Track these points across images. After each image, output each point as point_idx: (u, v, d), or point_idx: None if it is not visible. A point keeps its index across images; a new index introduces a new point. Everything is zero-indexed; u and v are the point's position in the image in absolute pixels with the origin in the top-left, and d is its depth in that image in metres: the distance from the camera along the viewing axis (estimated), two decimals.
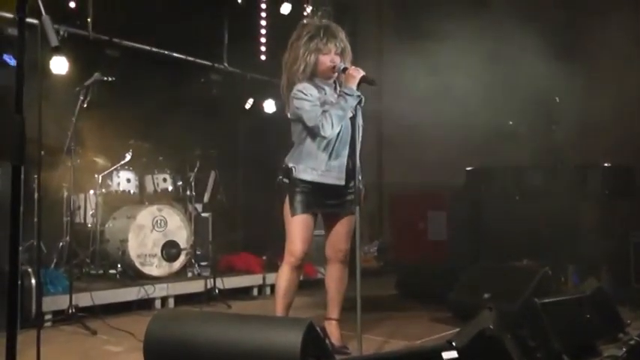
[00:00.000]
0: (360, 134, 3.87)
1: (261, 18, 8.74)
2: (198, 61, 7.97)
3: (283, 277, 3.98)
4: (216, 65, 8.18)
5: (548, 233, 6.18)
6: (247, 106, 8.47)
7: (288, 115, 4.06)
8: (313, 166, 3.92)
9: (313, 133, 3.88)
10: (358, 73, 3.83)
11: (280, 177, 4.00)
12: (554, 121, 6.48)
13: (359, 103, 3.82)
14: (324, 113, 3.80)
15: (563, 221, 6.18)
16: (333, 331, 4.09)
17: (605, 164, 6.43)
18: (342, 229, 4.11)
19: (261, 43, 8.75)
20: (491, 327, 3.03)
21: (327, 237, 4.17)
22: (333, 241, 4.13)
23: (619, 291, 5.42)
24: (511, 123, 7.17)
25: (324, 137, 3.86)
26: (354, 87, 3.80)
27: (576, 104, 6.44)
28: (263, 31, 8.77)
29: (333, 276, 4.16)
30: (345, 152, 3.99)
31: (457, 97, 7.30)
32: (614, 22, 6.56)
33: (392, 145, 9.21)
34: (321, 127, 3.79)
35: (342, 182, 3.96)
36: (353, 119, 3.92)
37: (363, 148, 3.94)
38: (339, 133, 3.95)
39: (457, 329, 3.46)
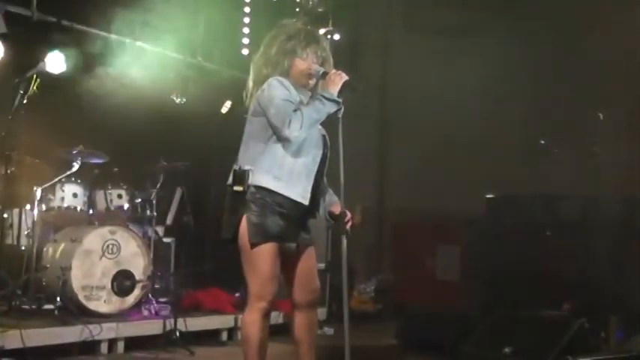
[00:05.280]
0: (342, 149, 3.77)
1: (245, 4, 8.73)
2: (167, 53, 7.89)
3: (254, 328, 3.79)
4: (188, 59, 8.13)
5: (587, 277, 6.14)
6: (224, 109, 8.42)
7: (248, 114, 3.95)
8: (276, 173, 3.77)
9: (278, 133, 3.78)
10: (340, 78, 3.80)
11: (229, 184, 3.83)
12: (596, 142, 6.45)
13: (337, 112, 3.77)
14: (296, 111, 3.72)
15: (605, 262, 6.15)
16: None
17: None
18: (311, 264, 4.00)
19: (244, 34, 8.72)
20: None
21: (293, 276, 3.98)
22: (305, 282, 3.98)
23: None
24: (543, 142, 7.15)
25: (287, 139, 3.72)
26: (335, 93, 3.77)
27: (621, 123, 6.47)
28: (246, 20, 8.74)
29: (308, 325, 4.02)
30: (315, 169, 3.90)
31: (477, 106, 7.35)
32: None
33: (396, 164, 9.21)
34: (288, 124, 3.67)
35: (306, 202, 3.83)
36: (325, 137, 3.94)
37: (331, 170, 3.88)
38: (310, 146, 3.85)
39: None
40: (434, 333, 6.14)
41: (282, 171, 3.77)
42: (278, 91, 3.78)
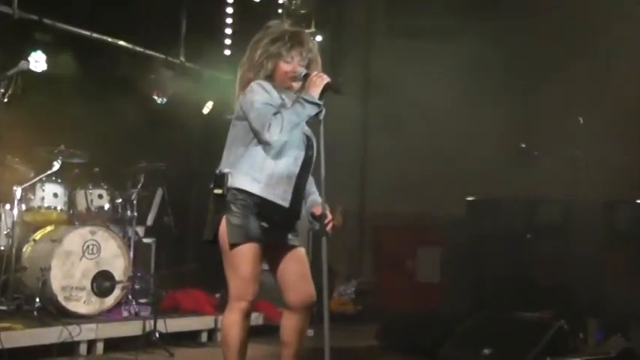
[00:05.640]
0: (322, 151, 3.78)
1: (227, 4, 8.67)
2: (149, 52, 7.89)
3: (235, 328, 3.79)
4: (170, 59, 8.10)
5: (566, 279, 6.20)
6: (206, 110, 8.41)
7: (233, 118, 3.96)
8: (255, 175, 3.78)
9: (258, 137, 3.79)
10: (321, 80, 3.80)
11: (211, 187, 3.84)
12: (577, 147, 6.51)
13: (318, 114, 3.78)
14: (276, 114, 3.73)
15: (584, 266, 6.19)
16: None
17: (638, 200, 6.48)
18: (302, 266, 3.96)
19: (226, 35, 8.67)
20: None
21: (285, 280, 3.98)
22: (296, 285, 3.95)
23: None
24: (524, 146, 7.20)
25: (267, 143, 3.74)
26: (316, 95, 3.77)
27: (603, 129, 6.54)
28: (229, 21, 8.69)
29: (297, 329, 3.98)
30: (296, 171, 3.89)
31: (458, 109, 7.40)
32: None
33: (377, 167, 9.22)
34: (267, 128, 3.69)
35: (287, 204, 3.83)
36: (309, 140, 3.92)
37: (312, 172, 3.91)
38: (292, 148, 3.86)
39: None
40: (414, 335, 6.16)
41: (262, 173, 3.78)
42: (258, 95, 3.79)
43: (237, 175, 3.77)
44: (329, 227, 3.74)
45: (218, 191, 3.77)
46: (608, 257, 6.34)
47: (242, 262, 3.73)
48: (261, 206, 3.75)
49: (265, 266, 3.97)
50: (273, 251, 3.90)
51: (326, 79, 3.80)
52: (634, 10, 7.11)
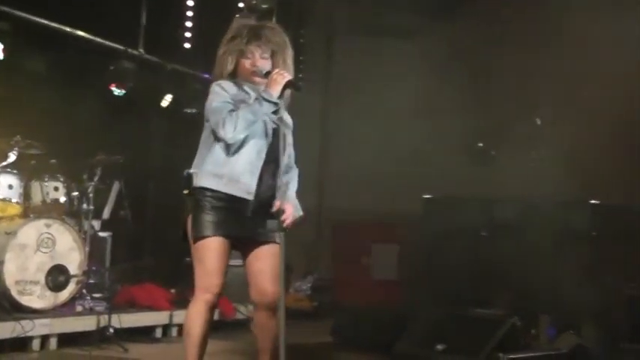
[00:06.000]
0: (283, 151, 3.82)
1: None
2: (107, 43, 7.80)
3: (198, 320, 3.81)
4: (129, 50, 8.02)
5: (520, 277, 6.31)
6: (164, 103, 8.37)
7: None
8: (217, 172, 3.85)
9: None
10: (282, 78, 3.84)
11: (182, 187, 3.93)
12: (534, 147, 6.65)
13: (277, 111, 3.83)
14: (231, 112, 3.80)
15: (538, 264, 6.35)
16: None
17: (594, 201, 6.66)
18: (269, 262, 3.95)
19: (187, 28, 8.64)
20: None
21: (249, 276, 4.01)
22: (257, 282, 3.97)
23: (604, 351, 5.56)
24: (481, 145, 7.32)
25: (224, 140, 3.81)
26: (275, 93, 3.82)
27: (560, 130, 6.68)
28: (189, 13, 8.67)
29: (260, 325, 4.01)
30: (259, 164, 3.92)
31: (417, 108, 7.48)
32: None
33: (336, 163, 9.27)
34: (222, 125, 3.76)
35: (251, 197, 3.85)
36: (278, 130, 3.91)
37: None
38: (254, 139, 3.89)
39: None
40: (369, 331, 6.22)
41: (224, 169, 3.83)
42: (215, 95, 3.87)
43: (202, 174, 3.84)
44: (286, 223, 3.75)
45: (185, 191, 3.86)
46: (562, 256, 6.46)
47: (208, 254, 3.78)
48: (226, 201, 3.80)
49: (239, 262, 4.03)
50: (243, 246, 3.96)
51: (287, 76, 3.83)
52: (592, 10, 7.25)
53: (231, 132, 3.75)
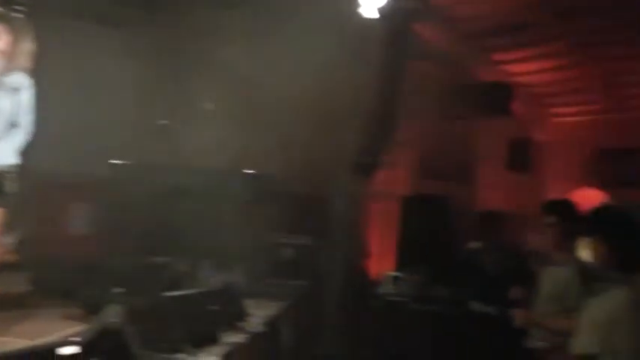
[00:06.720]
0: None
1: None
2: None
3: None
4: None
5: (189, 232, 7.34)
6: None
7: None
8: None
9: None
10: None
11: None
12: (206, 128, 7.81)
13: None
14: None
15: (203, 221, 7.43)
16: None
17: (247, 170, 7.96)
18: None
19: None
20: (115, 321, 3.87)
21: None
22: None
23: (249, 285, 6.83)
24: (165, 122, 8.36)
25: None
26: None
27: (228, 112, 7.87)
28: None
29: None
30: None
31: (115, 88, 8.27)
32: None
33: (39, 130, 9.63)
34: None
35: None
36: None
37: None
38: None
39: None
40: (64, 280, 6.72)
41: None
42: None
43: None
44: None
45: None
46: (224, 214, 7.67)
47: None
48: None
49: None
50: None
51: None
52: None
53: None
